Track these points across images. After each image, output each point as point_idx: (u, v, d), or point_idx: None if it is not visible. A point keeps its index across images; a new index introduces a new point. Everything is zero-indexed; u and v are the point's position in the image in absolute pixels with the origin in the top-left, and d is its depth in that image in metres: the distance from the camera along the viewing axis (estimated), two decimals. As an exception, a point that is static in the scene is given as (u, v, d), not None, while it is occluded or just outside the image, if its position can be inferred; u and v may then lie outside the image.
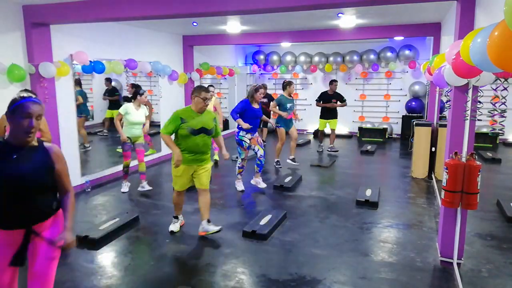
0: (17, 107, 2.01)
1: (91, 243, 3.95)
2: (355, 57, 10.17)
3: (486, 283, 3.24)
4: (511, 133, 8.93)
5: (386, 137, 9.92)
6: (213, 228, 4.03)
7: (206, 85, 5.25)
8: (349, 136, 10.50)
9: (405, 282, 3.25)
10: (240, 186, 5.81)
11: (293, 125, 7.20)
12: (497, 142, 8.85)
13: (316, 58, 10.58)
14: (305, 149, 8.96)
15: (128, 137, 5.56)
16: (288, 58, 10.86)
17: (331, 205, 5.12)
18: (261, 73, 11.56)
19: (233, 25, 6.83)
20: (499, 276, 3.33)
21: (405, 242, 4.01)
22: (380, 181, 6.43)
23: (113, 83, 9.70)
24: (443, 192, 3.28)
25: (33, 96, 2.07)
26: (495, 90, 2.77)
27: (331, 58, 10.43)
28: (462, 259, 3.47)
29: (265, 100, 8.66)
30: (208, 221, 4.05)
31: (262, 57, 11.27)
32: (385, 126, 10.03)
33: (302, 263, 3.56)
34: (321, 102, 8.32)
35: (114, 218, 4.51)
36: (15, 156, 2.04)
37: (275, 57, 11.07)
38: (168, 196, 5.55)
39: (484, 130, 8.50)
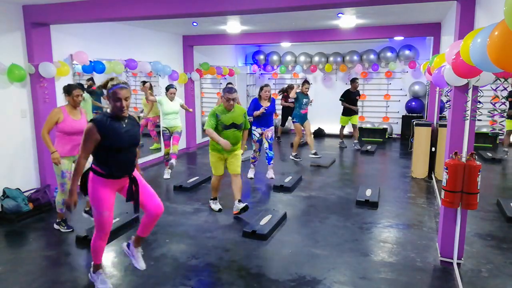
0: (111, 93, 2.77)
1: (91, 243, 3.96)
2: (355, 57, 10.17)
3: (486, 283, 3.24)
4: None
5: (386, 137, 9.93)
6: (241, 205, 4.63)
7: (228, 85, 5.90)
8: (349, 136, 10.50)
9: (405, 282, 3.25)
10: (250, 174, 6.46)
11: (308, 120, 7.83)
12: (497, 142, 8.84)
13: (316, 58, 10.58)
14: (305, 149, 8.95)
15: (165, 127, 6.30)
16: (288, 58, 10.86)
17: (331, 205, 5.12)
18: (261, 73, 11.56)
19: (233, 25, 6.83)
20: (499, 276, 3.33)
21: (405, 242, 4.01)
22: (380, 181, 6.43)
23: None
24: (443, 192, 3.28)
25: (121, 82, 2.81)
26: (495, 90, 2.77)
27: (331, 58, 10.43)
28: (462, 259, 3.47)
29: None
30: (239, 201, 4.66)
31: (262, 57, 11.27)
32: (385, 126, 10.03)
33: (302, 263, 3.56)
34: (345, 102, 8.73)
35: (114, 218, 4.49)
36: (124, 125, 2.86)
37: (275, 57, 11.06)
38: (167, 196, 5.56)
39: (484, 130, 8.50)
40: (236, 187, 4.71)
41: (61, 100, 5.34)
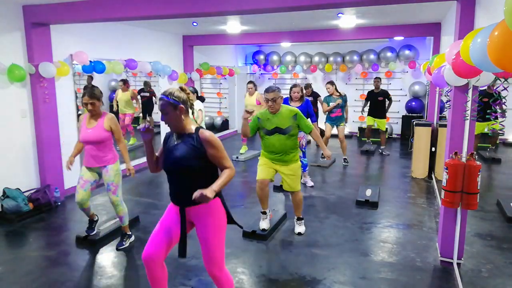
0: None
1: (91, 243, 3.96)
2: (355, 57, 10.17)
3: (486, 283, 3.24)
4: (511, 133, 8.92)
5: (386, 137, 9.91)
6: (297, 228, 4.25)
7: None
8: (349, 136, 10.50)
9: (405, 282, 3.25)
10: (309, 182, 5.93)
11: (342, 124, 7.34)
12: (497, 142, 8.83)
13: (316, 58, 10.58)
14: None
15: None
16: (288, 58, 10.86)
17: (331, 205, 5.12)
18: (261, 73, 11.56)
19: (233, 25, 6.83)
20: (499, 276, 3.33)
21: (405, 242, 4.01)
22: (380, 181, 6.43)
23: (114, 82, 9.73)
24: (443, 192, 3.28)
25: (163, 94, 2.35)
26: (495, 90, 2.77)
27: (331, 58, 10.43)
28: (462, 259, 3.47)
29: (310, 98, 8.66)
30: (298, 218, 4.27)
31: (262, 57, 11.27)
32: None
33: (302, 263, 3.56)
34: (368, 103, 8.27)
35: (114, 218, 4.50)
36: (176, 143, 2.40)
37: (275, 57, 11.06)
38: (167, 197, 5.54)
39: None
40: (294, 203, 4.22)
41: (61, 100, 5.36)
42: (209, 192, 2.18)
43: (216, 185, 2.26)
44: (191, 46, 8.50)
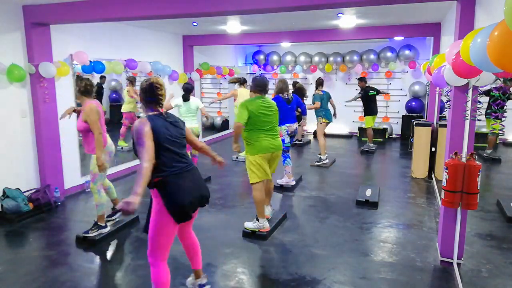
0: None
1: (91, 243, 3.96)
2: (355, 57, 10.17)
3: (486, 283, 3.24)
4: (511, 133, 8.92)
5: (386, 137, 9.92)
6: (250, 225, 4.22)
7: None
8: (349, 136, 10.50)
9: (405, 282, 3.25)
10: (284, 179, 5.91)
11: (320, 120, 7.36)
12: (497, 142, 8.84)
13: (316, 58, 10.58)
14: (304, 149, 8.96)
15: None
16: (288, 58, 10.86)
17: (331, 205, 5.12)
18: (261, 73, 11.56)
19: (233, 25, 6.83)
20: (499, 276, 3.33)
21: (405, 242, 4.01)
22: (380, 181, 6.43)
23: (115, 82, 9.71)
24: (443, 192, 3.28)
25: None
26: (495, 90, 2.77)
27: (331, 58, 10.43)
28: (462, 259, 3.47)
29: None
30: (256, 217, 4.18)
31: (262, 57, 11.27)
32: (385, 126, 10.03)
33: (302, 263, 3.56)
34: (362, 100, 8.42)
35: (111, 216, 4.50)
36: None
37: (275, 57, 11.06)
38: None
39: (484, 130, 8.50)
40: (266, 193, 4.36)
41: (61, 100, 5.35)
42: (131, 198, 2.31)
43: (137, 187, 2.36)
44: (191, 46, 8.50)
